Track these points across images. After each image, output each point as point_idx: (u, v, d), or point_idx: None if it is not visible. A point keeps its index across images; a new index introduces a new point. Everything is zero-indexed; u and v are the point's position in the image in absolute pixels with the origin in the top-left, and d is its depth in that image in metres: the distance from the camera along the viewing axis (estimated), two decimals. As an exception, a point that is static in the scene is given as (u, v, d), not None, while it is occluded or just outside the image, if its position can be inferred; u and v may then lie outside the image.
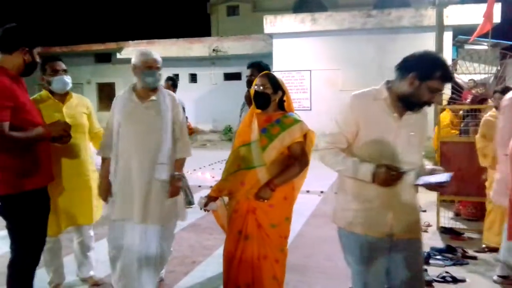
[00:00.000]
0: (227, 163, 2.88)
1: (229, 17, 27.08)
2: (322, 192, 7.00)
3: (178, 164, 3.04)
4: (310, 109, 13.38)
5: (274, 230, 2.73)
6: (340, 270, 3.81)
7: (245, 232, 2.71)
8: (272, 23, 13.50)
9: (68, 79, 3.29)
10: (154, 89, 2.96)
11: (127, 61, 18.45)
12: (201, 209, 2.84)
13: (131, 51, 17.47)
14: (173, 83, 5.76)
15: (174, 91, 5.45)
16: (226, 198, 2.92)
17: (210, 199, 2.83)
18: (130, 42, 17.76)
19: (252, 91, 2.83)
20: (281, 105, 2.87)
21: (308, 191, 6.60)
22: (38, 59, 2.63)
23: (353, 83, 13.03)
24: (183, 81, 18.36)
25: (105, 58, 19.43)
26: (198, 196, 2.92)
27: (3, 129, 2.32)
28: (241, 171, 2.76)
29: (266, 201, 2.69)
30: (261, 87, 2.77)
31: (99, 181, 3.09)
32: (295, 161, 2.74)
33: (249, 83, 3.40)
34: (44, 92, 3.27)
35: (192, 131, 19.49)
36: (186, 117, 16.93)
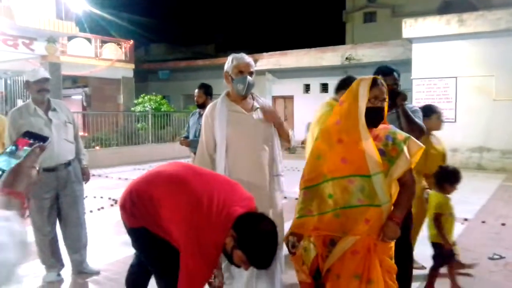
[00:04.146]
0: (317, 195, 2.29)
1: (365, 24, 26.10)
2: (466, 219, 5.91)
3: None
4: (455, 121, 11.86)
5: (392, 263, 2.29)
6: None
7: (368, 276, 2.18)
8: (412, 27, 12.39)
9: None
10: (245, 97, 2.65)
11: (261, 72, 18.76)
12: (290, 252, 2.33)
13: (266, 62, 17.82)
14: (205, 91, 5.06)
15: (207, 99, 4.91)
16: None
17: (297, 237, 2.31)
18: (264, 54, 18.13)
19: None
20: None
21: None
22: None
23: (509, 92, 11.21)
24: (314, 90, 18.10)
25: (242, 69, 20.18)
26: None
27: None
28: (364, 207, 2.19)
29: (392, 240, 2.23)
30: (383, 101, 2.26)
31: None
32: (403, 186, 2.28)
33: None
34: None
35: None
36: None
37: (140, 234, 2.23)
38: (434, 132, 4.07)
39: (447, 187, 3.40)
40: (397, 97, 2.98)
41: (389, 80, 3.02)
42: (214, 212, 1.98)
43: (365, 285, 2.18)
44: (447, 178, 3.40)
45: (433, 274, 3.45)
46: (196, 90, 5.08)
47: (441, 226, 3.31)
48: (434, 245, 3.43)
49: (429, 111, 3.97)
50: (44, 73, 3.63)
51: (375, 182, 2.13)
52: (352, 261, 2.21)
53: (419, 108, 3.56)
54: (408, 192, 2.28)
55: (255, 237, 1.92)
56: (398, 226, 2.19)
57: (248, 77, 2.63)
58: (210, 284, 2.31)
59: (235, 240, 1.92)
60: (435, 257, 3.45)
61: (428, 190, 3.69)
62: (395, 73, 3.10)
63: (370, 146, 2.16)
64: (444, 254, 3.37)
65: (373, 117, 2.21)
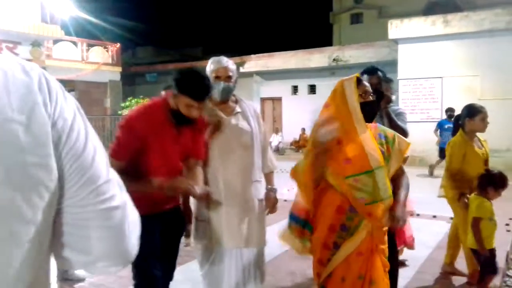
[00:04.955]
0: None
1: (352, 26, 26.29)
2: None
3: (269, 178, 2.84)
4: (441, 121, 12.00)
5: (386, 261, 2.34)
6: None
7: (370, 276, 2.20)
8: (398, 28, 12.50)
9: None
10: (225, 101, 2.64)
11: (249, 74, 18.68)
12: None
13: (253, 64, 17.83)
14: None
15: None
16: None
17: None
18: (252, 56, 18.12)
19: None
20: None
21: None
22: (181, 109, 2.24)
23: (494, 91, 11.36)
24: (302, 92, 18.14)
25: (230, 72, 20.09)
26: None
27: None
28: (369, 205, 2.21)
29: (403, 224, 2.31)
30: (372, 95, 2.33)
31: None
32: (397, 179, 2.38)
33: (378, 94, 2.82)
34: None
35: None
36: (304, 129, 16.55)
37: None
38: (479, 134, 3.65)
39: (491, 191, 3.20)
40: (381, 99, 3.00)
41: (374, 79, 3.12)
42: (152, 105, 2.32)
43: (367, 286, 2.20)
44: (492, 182, 3.20)
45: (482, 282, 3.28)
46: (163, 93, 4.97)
47: (478, 231, 3.15)
48: (474, 251, 3.28)
49: (473, 111, 3.56)
50: None
51: (377, 176, 2.16)
52: (357, 262, 2.21)
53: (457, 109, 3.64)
54: (402, 182, 2.38)
55: (184, 73, 2.24)
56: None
57: (222, 83, 2.59)
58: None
59: (174, 89, 2.22)
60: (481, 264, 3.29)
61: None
62: (379, 72, 3.20)
63: (369, 141, 2.19)
64: (482, 261, 3.24)
65: (369, 111, 2.26)
